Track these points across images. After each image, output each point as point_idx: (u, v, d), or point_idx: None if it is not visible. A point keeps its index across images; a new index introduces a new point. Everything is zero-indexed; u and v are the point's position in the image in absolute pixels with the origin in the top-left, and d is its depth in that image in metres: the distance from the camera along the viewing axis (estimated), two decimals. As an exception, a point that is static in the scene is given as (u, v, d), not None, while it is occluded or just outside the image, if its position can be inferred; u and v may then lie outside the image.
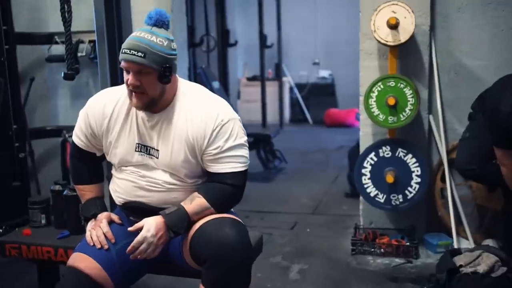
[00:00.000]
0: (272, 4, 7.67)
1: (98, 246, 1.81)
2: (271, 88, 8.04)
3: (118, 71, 2.81)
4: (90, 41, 3.34)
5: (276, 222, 3.66)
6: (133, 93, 1.71)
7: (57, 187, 2.37)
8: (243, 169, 1.81)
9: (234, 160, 1.79)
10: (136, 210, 1.85)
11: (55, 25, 3.54)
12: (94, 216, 1.92)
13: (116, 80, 2.79)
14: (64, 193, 2.30)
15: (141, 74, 1.68)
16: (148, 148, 1.81)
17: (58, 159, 3.63)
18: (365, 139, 3.20)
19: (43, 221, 2.39)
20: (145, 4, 3.42)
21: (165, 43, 1.70)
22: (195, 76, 4.98)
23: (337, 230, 3.46)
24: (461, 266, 2.32)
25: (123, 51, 1.69)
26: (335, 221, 3.64)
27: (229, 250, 1.65)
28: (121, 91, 1.86)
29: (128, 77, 1.70)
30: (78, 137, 1.93)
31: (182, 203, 1.76)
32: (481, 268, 2.27)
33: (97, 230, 1.85)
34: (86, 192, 1.99)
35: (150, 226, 1.71)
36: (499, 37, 2.97)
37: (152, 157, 1.81)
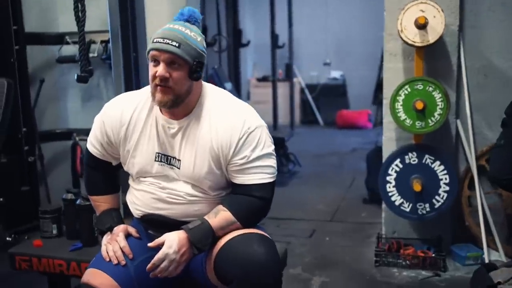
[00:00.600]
0: (283, 3, 7.53)
1: (115, 261, 1.69)
2: (282, 89, 7.90)
3: (132, 73, 2.71)
4: (102, 41, 3.23)
5: (293, 229, 3.53)
6: (158, 88, 1.58)
7: (70, 196, 2.25)
8: (271, 180, 1.68)
9: (261, 170, 1.66)
10: (156, 223, 1.73)
11: (66, 25, 3.45)
12: (110, 229, 1.80)
13: (130, 82, 2.68)
14: (77, 202, 2.18)
15: (172, 66, 1.57)
16: (169, 157, 1.68)
17: (68, 163, 3.51)
18: (388, 144, 3.05)
19: (55, 232, 2.27)
20: (159, 4, 3.30)
21: (199, 39, 1.61)
22: (207, 76, 4.86)
23: (357, 239, 3.32)
24: (499, 283, 2.17)
25: (154, 41, 1.58)
26: (355, 229, 3.50)
27: (258, 268, 1.52)
28: (139, 96, 1.74)
29: (156, 69, 1.57)
30: (93, 145, 1.81)
31: (206, 217, 1.63)
32: (521, 285, 2.13)
33: (114, 244, 1.73)
34: (101, 203, 1.86)
35: (172, 242, 1.58)
36: (531, 38, 2.82)
37: (173, 167, 1.68)
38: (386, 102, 3.03)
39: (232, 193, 1.71)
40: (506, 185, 2.56)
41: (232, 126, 1.63)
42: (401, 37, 2.70)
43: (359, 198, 4.15)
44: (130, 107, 1.72)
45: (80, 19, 2.25)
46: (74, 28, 3.39)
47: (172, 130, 1.67)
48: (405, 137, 2.98)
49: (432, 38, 2.63)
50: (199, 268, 1.71)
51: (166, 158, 1.69)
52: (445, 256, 2.79)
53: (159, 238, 1.61)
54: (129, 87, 2.67)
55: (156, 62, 1.58)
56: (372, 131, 7.44)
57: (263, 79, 8.14)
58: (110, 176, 1.88)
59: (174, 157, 1.68)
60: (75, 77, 2.38)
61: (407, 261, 2.81)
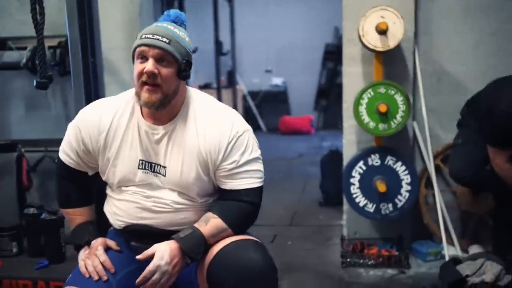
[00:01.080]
0: (225, 11, 7.54)
1: (96, 277, 1.59)
2: (225, 96, 7.87)
3: (91, 80, 2.58)
4: (50, 47, 3.07)
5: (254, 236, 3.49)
6: (145, 87, 1.51)
7: (32, 210, 2.11)
8: (260, 184, 1.66)
9: (250, 175, 1.63)
10: (140, 234, 1.65)
11: (8, 29, 3.26)
12: (88, 243, 1.69)
13: (90, 91, 2.55)
14: (42, 216, 2.04)
15: (161, 63, 1.51)
16: (153, 165, 1.61)
17: (13, 176, 3.28)
18: (349, 147, 3.11)
19: (15, 250, 2.12)
20: (113, 7, 3.21)
21: (187, 39, 1.58)
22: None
23: (319, 242, 3.35)
24: (467, 276, 2.26)
25: (143, 37, 1.52)
26: (315, 232, 3.54)
27: (256, 276, 1.49)
28: (118, 102, 1.66)
29: (143, 65, 1.51)
30: (66, 155, 1.70)
31: (196, 225, 1.57)
32: (488, 277, 2.24)
33: (93, 259, 1.63)
34: (76, 216, 1.75)
35: (164, 253, 1.51)
36: (480, 44, 2.99)
37: (158, 175, 1.61)
38: (346, 106, 3.09)
39: (220, 199, 1.66)
40: (467, 182, 2.69)
41: (221, 131, 1.59)
42: (362, 42, 2.76)
43: (314, 201, 4.20)
44: (109, 113, 1.63)
45: (39, 22, 2.10)
46: (17, 33, 3.22)
47: (156, 136, 1.60)
48: (365, 139, 3.06)
49: (392, 43, 2.72)
50: (188, 278, 1.65)
51: (150, 166, 1.61)
52: (408, 254, 2.88)
53: (148, 250, 1.53)
54: (89, 94, 2.54)
55: (144, 58, 1.52)
56: (315, 136, 7.60)
57: (205, 86, 8.09)
58: (85, 187, 1.77)
59: (158, 164, 1.61)
60: (34, 83, 2.23)
61: (373, 261, 2.87)
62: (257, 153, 1.64)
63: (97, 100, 1.73)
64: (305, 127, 8.00)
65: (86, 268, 1.61)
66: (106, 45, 2.97)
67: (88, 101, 2.48)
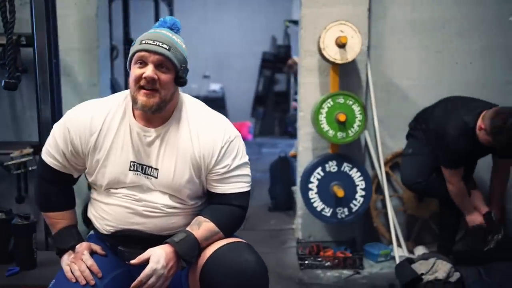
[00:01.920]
0: (164, 15, 7.48)
1: (83, 282, 1.58)
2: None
3: (54, 82, 2.52)
4: (-1, 45, 2.93)
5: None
6: (142, 91, 1.53)
7: (0, 215, 2.01)
8: (248, 189, 1.72)
9: (240, 179, 1.69)
10: (129, 239, 1.64)
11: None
12: (72, 248, 1.67)
13: (53, 92, 2.49)
14: (13, 221, 1.96)
15: (160, 69, 1.53)
16: (145, 167, 1.62)
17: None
18: (304, 154, 3.24)
19: (-20, 257, 2.01)
20: (69, 8, 3.12)
21: (183, 46, 1.61)
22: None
23: (274, 245, 3.44)
24: (422, 274, 2.45)
25: (143, 42, 1.53)
26: (270, 236, 3.63)
27: (251, 277, 1.54)
28: (109, 103, 1.66)
29: (142, 70, 1.52)
30: (51, 156, 1.66)
31: (189, 229, 1.60)
32: (440, 275, 2.43)
33: (79, 263, 1.61)
34: (58, 220, 1.72)
35: (159, 257, 1.52)
36: (426, 59, 3.24)
37: (150, 177, 1.62)
38: (302, 114, 3.22)
39: (210, 202, 1.70)
40: (416, 188, 2.92)
41: (214, 135, 1.63)
42: (322, 55, 2.90)
43: (264, 206, 4.28)
44: (100, 114, 1.62)
45: (9, 21, 2.02)
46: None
47: (148, 138, 1.61)
48: (321, 147, 3.20)
49: (350, 56, 2.88)
50: (178, 282, 1.67)
51: (141, 167, 1.62)
52: (362, 255, 3.04)
53: (142, 254, 1.54)
54: (52, 95, 2.48)
55: (143, 64, 1.53)
56: (254, 143, 7.71)
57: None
58: (68, 189, 1.74)
59: (150, 166, 1.62)
60: (2, 84, 2.14)
61: (329, 262, 3.00)
62: (246, 158, 1.71)
63: (85, 102, 1.70)
64: (243, 133, 8.08)
65: (72, 273, 1.59)
66: (62, 46, 2.90)
67: (52, 102, 2.43)
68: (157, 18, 6.86)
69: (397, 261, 2.93)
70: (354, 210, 3.01)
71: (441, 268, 2.46)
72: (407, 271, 2.50)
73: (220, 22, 8.55)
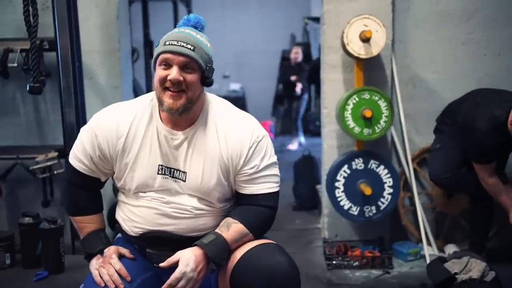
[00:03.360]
0: (182, 15, 7.49)
1: (112, 286, 1.55)
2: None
3: (77, 85, 2.52)
4: (22, 50, 2.94)
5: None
6: (168, 93, 1.50)
7: (27, 220, 2.01)
8: (277, 189, 1.68)
9: (269, 180, 1.65)
10: (158, 241, 1.62)
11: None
12: (101, 252, 1.65)
13: (77, 95, 2.49)
14: (41, 226, 1.95)
15: (185, 70, 1.50)
16: (173, 170, 1.59)
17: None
18: (329, 152, 3.19)
19: (8, 261, 2.01)
20: (90, 11, 3.12)
21: (208, 45, 1.57)
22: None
23: (300, 245, 3.39)
24: (456, 273, 2.37)
25: (167, 43, 1.50)
26: (295, 236, 3.58)
27: (282, 279, 1.50)
28: (136, 106, 1.64)
29: (167, 72, 1.50)
30: (79, 161, 1.64)
31: (218, 231, 1.57)
32: (475, 274, 2.35)
33: (108, 267, 1.59)
34: (86, 224, 1.70)
35: (189, 259, 1.49)
36: (452, 52, 3.15)
37: (178, 180, 1.59)
38: (326, 112, 3.17)
39: (238, 204, 1.67)
40: (444, 183, 2.84)
41: (242, 136, 1.60)
42: (346, 50, 2.84)
43: (288, 206, 4.24)
44: (127, 118, 1.60)
45: (32, 25, 2.02)
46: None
47: (175, 141, 1.59)
48: (346, 144, 3.14)
49: (375, 50, 2.82)
50: (207, 285, 1.64)
51: (169, 171, 1.59)
52: (391, 255, 2.98)
53: (172, 257, 1.52)
54: (76, 99, 2.47)
55: (168, 65, 1.51)
56: (276, 142, 7.67)
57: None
58: (96, 193, 1.73)
59: (178, 170, 1.59)
60: (27, 88, 2.14)
61: (357, 262, 2.94)
62: (274, 158, 1.67)
63: (112, 105, 1.68)
64: (264, 132, 8.04)
65: (101, 277, 1.57)
66: (84, 49, 2.90)
67: (76, 105, 2.43)
68: (176, 19, 6.88)
69: (427, 260, 2.86)
70: (382, 208, 2.95)
71: (475, 267, 2.38)
72: (439, 270, 2.43)
73: (239, 21, 8.54)
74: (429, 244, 3.10)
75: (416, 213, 3.06)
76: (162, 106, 1.53)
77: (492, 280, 2.34)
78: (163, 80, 1.51)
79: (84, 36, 2.95)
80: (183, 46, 1.50)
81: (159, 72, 1.52)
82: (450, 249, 3.06)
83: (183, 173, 1.59)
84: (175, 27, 1.61)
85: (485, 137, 2.49)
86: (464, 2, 3.12)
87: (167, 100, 1.51)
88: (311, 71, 6.80)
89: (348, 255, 2.99)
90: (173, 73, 1.49)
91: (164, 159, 1.59)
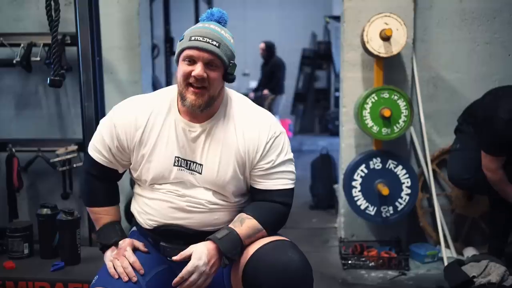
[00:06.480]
0: (203, 13, 7.52)
1: (125, 278, 1.56)
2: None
3: (97, 79, 2.54)
4: (45, 45, 2.98)
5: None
6: (191, 89, 1.51)
7: (45, 211, 2.04)
8: (292, 186, 1.67)
9: (285, 176, 1.64)
10: (172, 234, 1.62)
11: (0, 25, 3.15)
12: (116, 244, 1.66)
13: (96, 89, 2.51)
14: (58, 217, 1.98)
15: (209, 67, 1.51)
16: (189, 162, 1.60)
17: (2, 176, 3.18)
18: (347, 151, 3.16)
19: (26, 251, 2.05)
20: (111, 6, 3.15)
21: (232, 40, 1.57)
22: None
23: (316, 244, 3.38)
24: (474, 277, 2.33)
25: (192, 38, 1.50)
26: (311, 234, 3.57)
27: (295, 276, 1.49)
28: (154, 99, 1.65)
29: (191, 68, 1.50)
30: (98, 152, 1.66)
31: (231, 226, 1.57)
32: (493, 278, 2.31)
33: (122, 260, 1.60)
34: (103, 215, 1.72)
35: (201, 253, 1.50)
36: (475, 51, 3.10)
37: (194, 173, 1.60)
38: (345, 110, 3.14)
39: (253, 199, 1.67)
40: (465, 184, 2.79)
41: (259, 131, 1.60)
42: (366, 48, 2.81)
43: (305, 204, 4.23)
44: (145, 110, 1.61)
45: (54, 19, 2.04)
46: (8, 29, 3.11)
47: (193, 133, 1.59)
48: (364, 143, 3.11)
49: (395, 49, 2.78)
50: (220, 280, 1.64)
51: (186, 163, 1.60)
52: (408, 256, 2.94)
53: (185, 251, 1.52)
54: (96, 93, 2.50)
55: (192, 61, 1.51)
56: (294, 140, 7.65)
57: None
58: (113, 185, 1.74)
59: (195, 162, 1.60)
60: (48, 81, 2.17)
61: (373, 263, 2.92)
62: (290, 154, 1.66)
63: (131, 97, 1.70)
64: (283, 131, 8.03)
65: (115, 269, 1.58)
66: (104, 45, 2.93)
67: (95, 99, 2.45)
68: (197, 17, 6.92)
69: (445, 262, 2.82)
70: (399, 209, 2.91)
71: (495, 271, 2.34)
72: (457, 273, 2.39)
73: (259, 19, 8.54)
74: (447, 246, 3.05)
75: (435, 214, 3.02)
76: (184, 102, 1.54)
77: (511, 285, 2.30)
78: (187, 75, 1.52)
79: (105, 31, 2.99)
80: (208, 42, 1.50)
81: (183, 68, 1.53)
82: (469, 252, 3.01)
83: (199, 166, 1.59)
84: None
85: (505, 126, 2.41)
86: (489, 0, 3.06)
87: (190, 96, 1.52)
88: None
89: (364, 255, 2.96)
90: (198, 69, 1.50)
91: (181, 151, 1.60)
